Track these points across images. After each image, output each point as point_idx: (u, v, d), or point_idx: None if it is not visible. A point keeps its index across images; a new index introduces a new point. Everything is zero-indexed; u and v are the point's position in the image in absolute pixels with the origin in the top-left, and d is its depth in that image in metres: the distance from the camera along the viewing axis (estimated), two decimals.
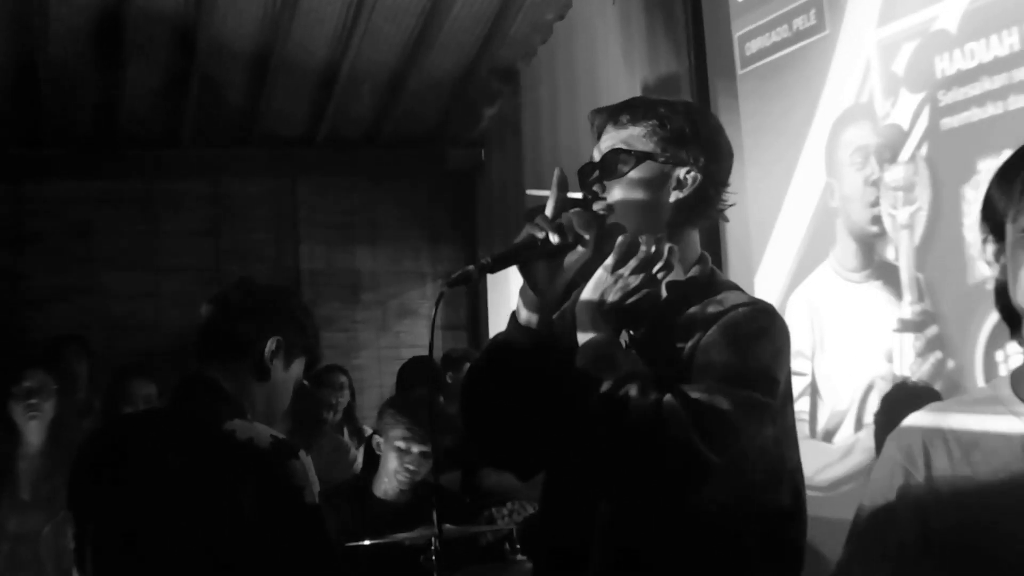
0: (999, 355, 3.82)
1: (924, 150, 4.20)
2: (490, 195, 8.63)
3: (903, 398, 4.29)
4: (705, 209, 2.77)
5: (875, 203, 4.46)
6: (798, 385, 4.86)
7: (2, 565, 5.35)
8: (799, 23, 4.91)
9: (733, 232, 5.35)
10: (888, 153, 4.38)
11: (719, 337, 2.52)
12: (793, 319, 4.90)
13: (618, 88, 6.40)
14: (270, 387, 3.30)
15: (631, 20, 6.27)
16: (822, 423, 4.78)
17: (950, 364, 4.10)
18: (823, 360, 4.78)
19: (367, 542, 4.40)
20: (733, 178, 5.10)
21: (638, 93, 6.17)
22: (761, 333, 2.56)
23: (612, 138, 2.70)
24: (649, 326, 2.64)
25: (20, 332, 7.77)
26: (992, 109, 3.90)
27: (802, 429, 4.80)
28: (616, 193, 2.65)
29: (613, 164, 2.68)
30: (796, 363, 4.83)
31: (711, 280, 2.75)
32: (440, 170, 8.84)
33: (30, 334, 7.66)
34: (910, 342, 4.29)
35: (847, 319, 4.66)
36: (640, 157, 2.66)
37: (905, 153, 4.29)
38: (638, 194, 2.67)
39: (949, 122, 4.08)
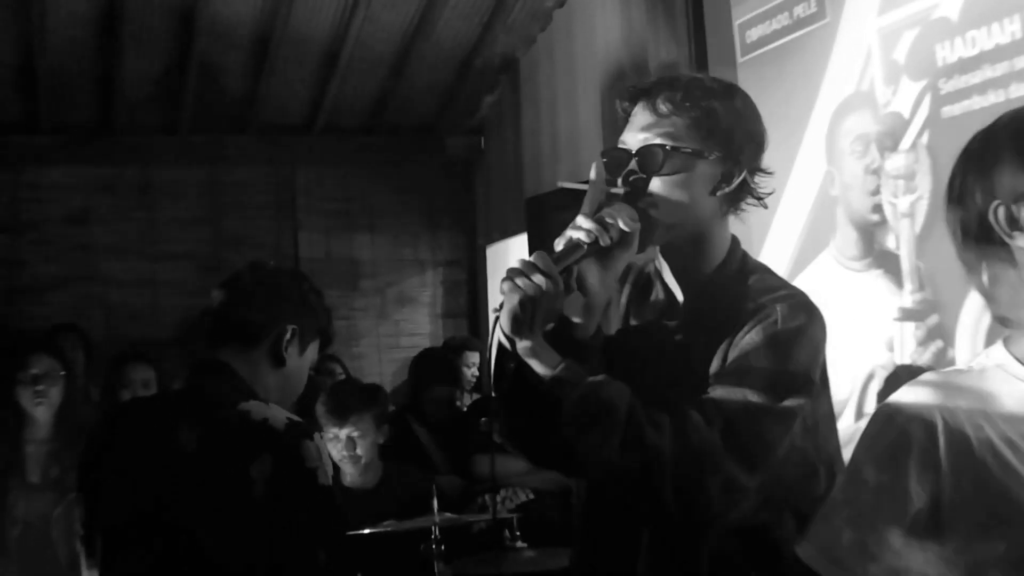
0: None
1: (925, 138, 4.20)
2: (489, 183, 8.61)
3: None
4: (745, 197, 2.66)
5: (876, 191, 4.46)
6: None
7: (12, 548, 5.37)
8: (799, 11, 4.90)
9: (733, 221, 5.34)
10: (889, 141, 4.38)
11: (758, 341, 2.48)
12: None
13: (617, 76, 6.40)
14: (285, 373, 3.30)
15: (631, 8, 6.26)
16: None
17: (951, 353, 4.10)
18: None
19: (366, 530, 4.42)
20: None
21: (636, 82, 6.15)
22: (800, 333, 2.53)
23: (650, 127, 2.55)
24: (684, 320, 2.62)
25: (18, 319, 7.76)
26: (993, 97, 3.90)
27: None
28: (654, 186, 2.52)
29: (656, 159, 2.53)
30: None
31: (743, 265, 2.69)
32: (439, 158, 8.82)
33: (28, 322, 7.65)
34: (911, 331, 4.29)
35: (848, 308, 4.65)
36: (688, 155, 2.53)
37: (906, 141, 4.29)
38: (679, 190, 2.55)
39: (950, 110, 4.08)
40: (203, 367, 3.32)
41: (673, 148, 2.51)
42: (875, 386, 4.47)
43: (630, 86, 2.63)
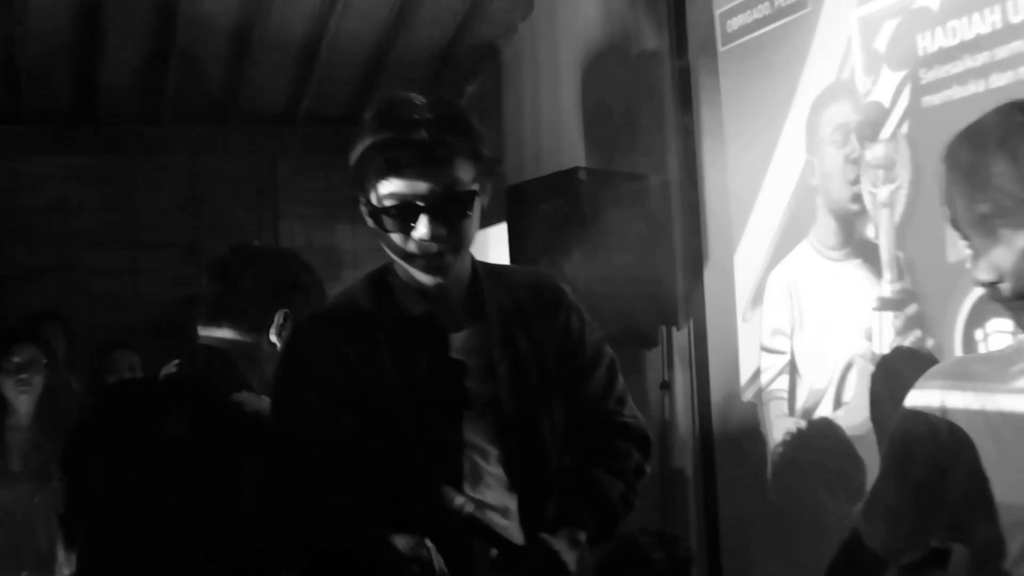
0: (979, 333, 3.82)
1: (905, 128, 4.20)
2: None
3: (899, 364, 4.30)
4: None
5: (855, 181, 4.46)
6: (777, 363, 4.87)
7: None
8: (781, 0, 4.90)
9: (713, 210, 5.36)
10: (869, 131, 4.38)
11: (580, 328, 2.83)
12: (773, 297, 4.91)
13: (599, 65, 6.40)
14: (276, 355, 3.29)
15: None
16: (801, 401, 4.78)
17: (930, 342, 4.11)
18: (802, 338, 4.79)
19: None
20: (715, 156, 5.12)
21: (619, 70, 6.16)
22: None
23: (437, 174, 2.54)
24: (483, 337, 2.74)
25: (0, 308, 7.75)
26: (974, 87, 3.90)
27: (780, 407, 4.83)
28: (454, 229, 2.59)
29: (461, 205, 2.59)
30: (775, 341, 4.86)
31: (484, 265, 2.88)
32: None
33: (10, 310, 7.63)
34: (890, 320, 4.29)
35: (827, 297, 4.66)
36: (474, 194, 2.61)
37: (886, 131, 4.29)
38: (474, 225, 2.66)
39: (930, 100, 4.08)
40: (197, 353, 3.30)
41: (470, 193, 2.60)
42: (853, 376, 4.48)
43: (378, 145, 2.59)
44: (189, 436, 3.03)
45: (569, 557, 2.59)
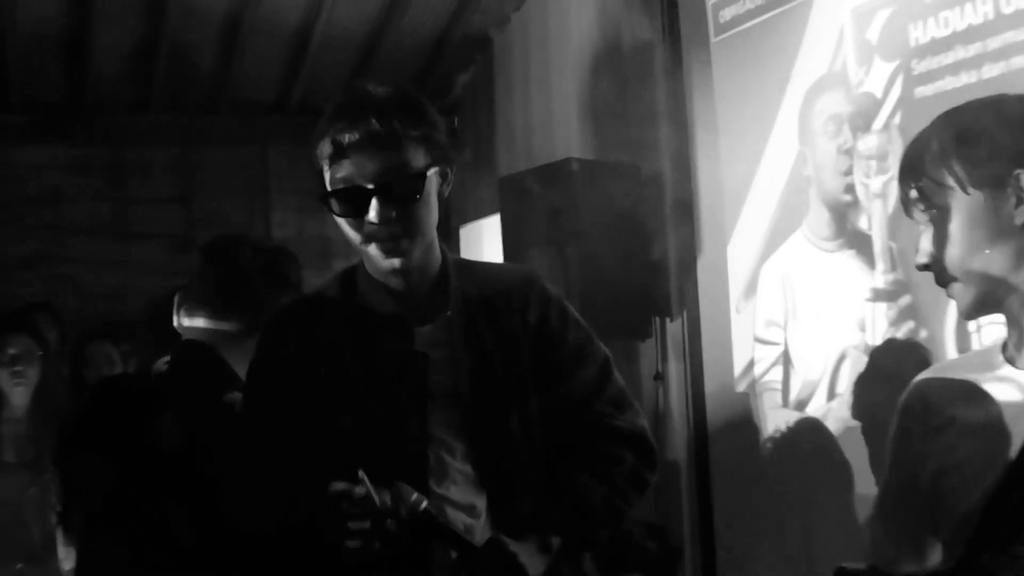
0: (972, 325, 3.82)
1: (897, 119, 4.20)
2: (462, 163, 8.60)
3: (888, 357, 4.30)
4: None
5: (848, 172, 4.46)
6: (771, 355, 4.87)
7: None
8: None
9: (706, 201, 5.35)
10: (861, 121, 4.38)
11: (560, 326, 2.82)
12: (766, 288, 4.90)
13: (592, 56, 6.38)
14: None
15: None
16: (794, 393, 4.78)
17: (923, 334, 4.10)
18: (796, 329, 4.79)
19: None
20: (707, 147, 5.11)
21: (611, 61, 6.15)
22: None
23: (385, 157, 2.58)
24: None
25: None
26: (966, 78, 3.90)
27: (774, 398, 4.83)
28: (406, 212, 2.61)
29: (410, 188, 2.60)
30: (769, 332, 4.85)
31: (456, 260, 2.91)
32: None
33: (5, 304, 7.62)
34: (883, 311, 4.29)
35: (820, 288, 4.65)
36: (423, 175, 2.62)
37: (878, 122, 4.29)
38: (429, 209, 2.67)
39: (923, 91, 4.08)
40: (187, 350, 3.29)
41: (416, 174, 2.61)
42: (846, 367, 4.48)
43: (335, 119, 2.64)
44: (182, 439, 3.03)
45: (532, 561, 2.57)
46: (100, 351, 6.19)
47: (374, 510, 2.42)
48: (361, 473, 2.42)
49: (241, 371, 3.21)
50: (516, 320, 2.80)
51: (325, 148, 2.61)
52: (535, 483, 2.73)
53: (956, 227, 2.09)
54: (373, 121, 2.55)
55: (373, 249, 2.63)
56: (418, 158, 2.60)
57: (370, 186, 2.55)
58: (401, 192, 2.57)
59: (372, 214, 2.55)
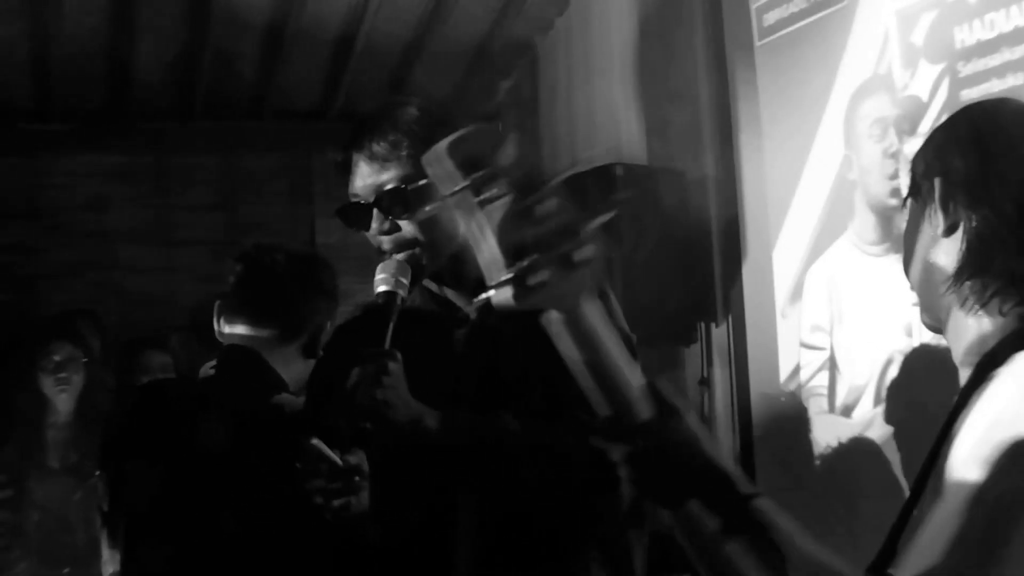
0: None
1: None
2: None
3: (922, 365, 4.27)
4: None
5: (894, 176, 4.43)
6: (816, 360, 4.84)
7: (31, 532, 5.41)
8: None
9: (751, 206, 5.33)
10: (907, 125, 4.35)
11: None
12: (812, 293, 4.88)
13: (635, 61, 6.37)
14: (309, 363, 3.32)
15: None
16: (840, 398, 4.75)
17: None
18: (842, 334, 4.76)
19: None
20: (752, 151, 5.08)
21: (654, 66, 6.13)
22: None
23: (377, 173, 2.68)
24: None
25: (35, 306, 7.77)
26: (1012, 80, 3.87)
27: (820, 404, 4.80)
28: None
29: (402, 203, 2.68)
30: (814, 337, 4.82)
31: None
32: None
33: (45, 308, 7.66)
34: None
35: (866, 293, 4.63)
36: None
37: (925, 125, 4.26)
38: (437, 223, 2.71)
39: (969, 93, 4.05)
40: (233, 355, 3.31)
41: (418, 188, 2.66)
42: (893, 371, 4.45)
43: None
44: (231, 441, 3.04)
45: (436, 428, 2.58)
46: (153, 360, 6.21)
47: (337, 470, 2.49)
48: (315, 441, 2.51)
49: (284, 375, 3.23)
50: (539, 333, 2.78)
51: (336, 166, 2.79)
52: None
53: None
54: (372, 138, 2.68)
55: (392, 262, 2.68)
56: (418, 171, 2.63)
57: (370, 201, 2.68)
58: (391, 207, 2.68)
59: (373, 226, 2.69)
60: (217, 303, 3.47)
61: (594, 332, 1.84)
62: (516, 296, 1.65)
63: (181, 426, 3.20)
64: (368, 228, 2.70)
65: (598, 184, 5.59)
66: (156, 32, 7.23)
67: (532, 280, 1.68)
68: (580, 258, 1.74)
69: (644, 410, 1.81)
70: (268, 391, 3.18)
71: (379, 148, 2.67)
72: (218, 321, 3.42)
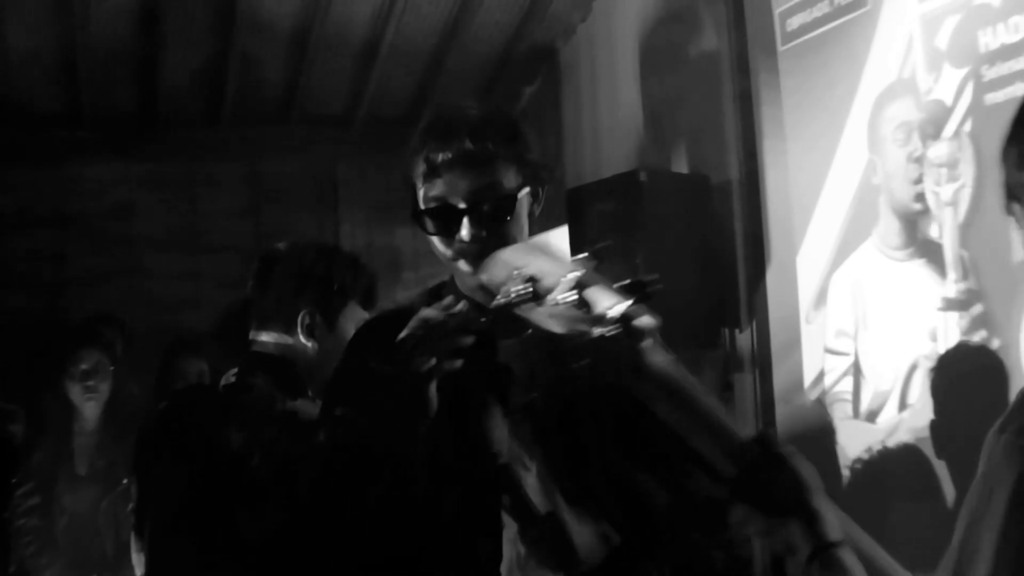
0: None
1: (968, 126, 4.16)
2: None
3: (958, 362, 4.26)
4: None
5: (918, 180, 4.42)
6: (841, 365, 4.84)
7: (60, 538, 5.44)
8: None
9: (775, 211, 5.32)
10: (931, 129, 4.34)
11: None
12: (836, 298, 4.87)
13: (658, 66, 6.38)
14: (324, 352, 3.32)
15: None
16: (865, 403, 4.75)
17: (995, 343, 4.06)
18: (866, 339, 4.75)
19: None
20: (776, 156, 5.08)
21: (678, 71, 6.14)
22: None
23: (477, 176, 2.60)
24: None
25: (63, 313, 7.81)
26: None
27: (845, 409, 4.79)
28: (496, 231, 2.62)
29: (501, 208, 2.62)
30: (839, 342, 4.82)
31: None
32: None
33: (75, 314, 7.69)
34: (954, 321, 4.25)
35: (890, 298, 4.62)
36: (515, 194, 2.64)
37: (949, 129, 4.25)
38: (520, 229, 2.69)
39: (993, 97, 4.04)
40: (255, 360, 3.34)
41: (508, 195, 2.62)
42: (918, 377, 4.44)
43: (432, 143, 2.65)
44: (246, 448, 3.06)
45: (585, 543, 2.58)
46: (190, 366, 6.23)
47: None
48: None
49: (309, 377, 3.25)
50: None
51: (419, 167, 2.62)
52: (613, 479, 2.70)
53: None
54: (466, 140, 2.56)
55: (463, 265, 2.64)
56: (509, 178, 2.62)
57: (462, 205, 2.57)
58: (492, 212, 2.59)
59: (464, 232, 2.57)
60: (246, 306, 3.49)
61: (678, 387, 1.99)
62: None
63: (201, 433, 3.23)
64: (452, 234, 2.60)
65: (622, 190, 5.59)
66: (183, 39, 7.27)
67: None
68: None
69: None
70: (284, 396, 3.20)
71: (476, 149, 2.57)
72: (252, 327, 3.44)
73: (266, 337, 3.34)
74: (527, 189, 2.67)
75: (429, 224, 2.63)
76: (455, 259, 2.63)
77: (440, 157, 2.57)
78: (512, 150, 2.63)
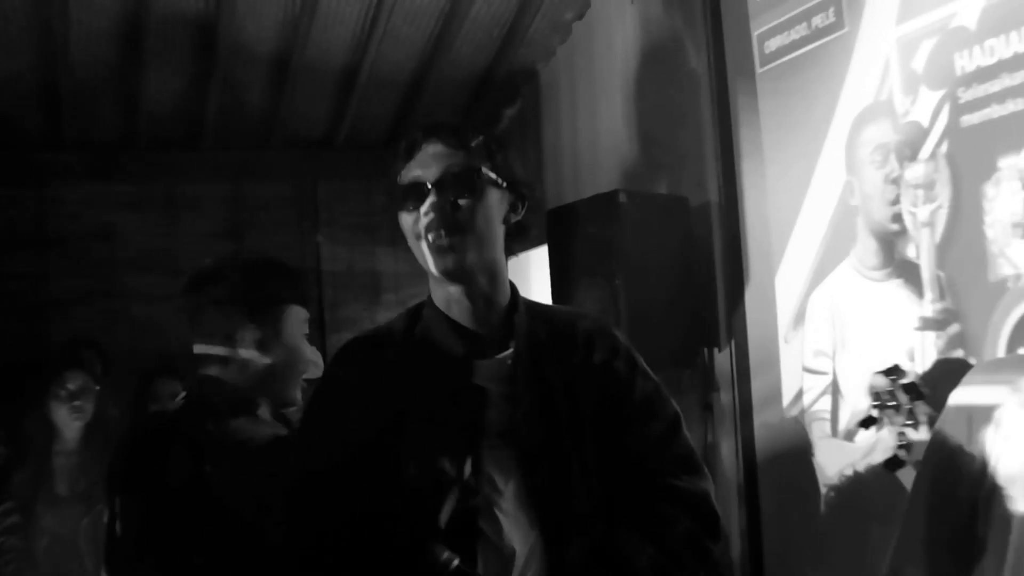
0: (1023, 351, 3.81)
1: (944, 147, 4.19)
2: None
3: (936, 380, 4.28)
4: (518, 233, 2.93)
5: (895, 201, 4.45)
6: (819, 384, 4.86)
7: (40, 559, 5.43)
8: (818, 21, 4.90)
9: (753, 231, 5.35)
10: (908, 151, 4.37)
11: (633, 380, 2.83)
12: (814, 318, 4.90)
13: (638, 88, 6.40)
14: (277, 362, 3.35)
15: (650, 19, 6.28)
16: (843, 422, 4.77)
17: (972, 362, 4.09)
18: (844, 359, 4.78)
19: None
20: (754, 177, 5.11)
21: (657, 93, 6.17)
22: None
23: (447, 159, 2.73)
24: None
25: (44, 334, 7.80)
26: (1012, 106, 3.89)
27: (823, 428, 4.82)
28: (459, 208, 2.72)
29: (464, 185, 2.73)
30: (817, 362, 4.85)
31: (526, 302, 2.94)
32: None
33: (54, 336, 7.69)
34: (932, 340, 4.28)
35: (868, 318, 4.65)
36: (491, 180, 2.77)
37: (925, 150, 4.28)
38: (486, 216, 2.77)
39: (969, 119, 4.07)
40: (195, 383, 3.38)
41: (479, 171, 2.76)
42: None
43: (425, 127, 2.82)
44: (194, 470, 3.08)
45: None
46: (166, 387, 6.25)
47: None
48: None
49: (255, 387, 3.28)
50: (581, 363, 2.81)
51: (400, 154, 2.79)
52: (591, 532, 2.69)
53: None
54: (445, 130, 2.77)
55: (427, 249, 2.70)
56: (481, 168, 2.75)
57: (430, 183, 2.69)
58: (454, 186, 2.70)
59: (426, 204, 2.68)
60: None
61: None
62: None
63: (152, 461, 3.25)
64: (418, 207, 2.71)
65: (602, 210, 5.62)
66: (164, 63, 7.28)
67: None
68: None
69: None
70: (227, 413, 3.22)
71: (451, 139, 2.75)
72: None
73: (210, 355, 3.37)
74: (501, 189, 2.79)
75: (402, 203, 2.75)
76: (422, 236, 2.70)
77: (418, 142, 2.75)
78: (487, 149, 2.77)
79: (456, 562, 2.48)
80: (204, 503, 3.05)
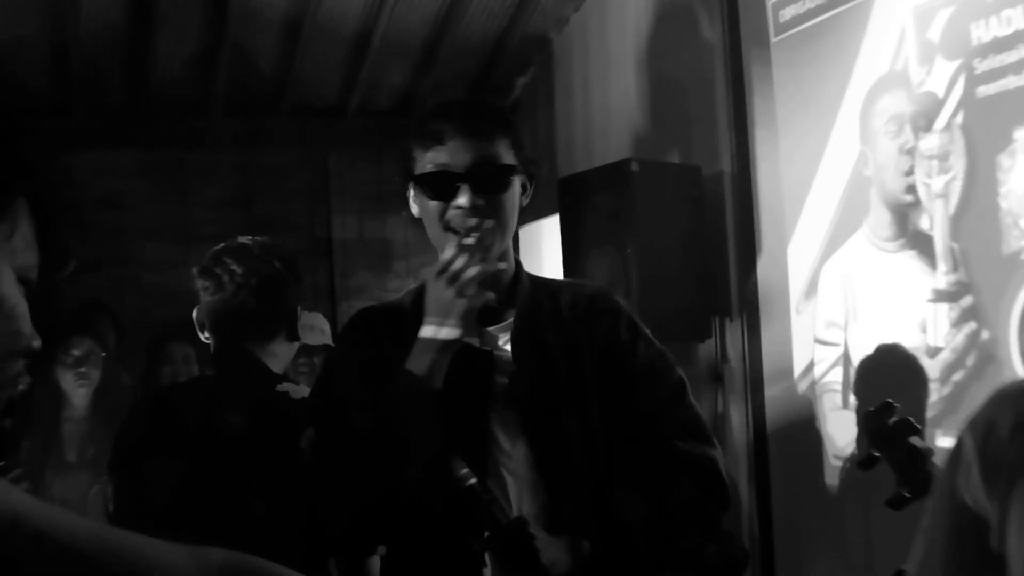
0: None
1: (959, 118, 4.17)
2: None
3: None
4: None
5: (909, 172, 4.43)
6: (831, 356, 4.85)
7: None
8: None
9: (766, 202, 5.33)
10: (923, 121, 4.35)
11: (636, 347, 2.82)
12: (826, 289, 4.88)
13: (651, 56, 6.38)
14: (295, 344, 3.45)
15: None
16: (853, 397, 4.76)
17: (984, 335, 4.07)
18: (856, 330, 4.76)
19: None
20: (768, 147, 5.08)
21: (671, 62, 6.14)
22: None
23: (479, 147, 2.68)
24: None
25: (53, 302, 7.79)
26: None
27: (834, 399, 4.80)
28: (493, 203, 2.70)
29: (501, 179, 2.72)
30: (829, 333, 4.83)
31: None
32: None
33: (64, 303, 7.68)
34: (944, 312, 4.26)
35: (881, 289, 4.63)
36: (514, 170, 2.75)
37: (940, 121, 4.26)
38: (513, 209, 2.78)
39: (985, 90, 4.05)
40: (228, 355, 3.40)
41: (509, 166, 2.75)
42: None
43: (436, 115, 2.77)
44: (250, 428, 3.14)
45: (555, 556, 2.57)
46: (179, 351, 6.23)
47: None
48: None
49: (274, 366, 3.34)
50: (583, 328, 2.81)
51: (421, 135, 2.71)
52: (592, 491, 2.72)
53: None
54: (471, 115, 2.70)
55: (451, 243, 2.67)
56: (507, 156, 2.72)
57: (462, 175, 2.65)
58: (490, 182, 2.67)
59: (462, 199, 2.64)
60: (195, 312, 3.55)
61: None
62: None
63: (196, 423, 3.28)
64: (448, 200, 2.67)
65: (614, 179, 5.60)
66: (175, 29, 7.26)
67: None
68: None
69: None
70: (270, 381, 3.29)
71: (480, 124, 2.70)
72: (201, 331, 3.50)
73: (248, 338, 3.41)
74: (521, 175, 2.76)
75: (427, 189, 2.70)
76: (446, 229, 2.69)
77: (444, 126, 2.66)
78: (508, 132, 2.72)
79: (473, 480, 2.48)
80: (256, 459, 3.13)
